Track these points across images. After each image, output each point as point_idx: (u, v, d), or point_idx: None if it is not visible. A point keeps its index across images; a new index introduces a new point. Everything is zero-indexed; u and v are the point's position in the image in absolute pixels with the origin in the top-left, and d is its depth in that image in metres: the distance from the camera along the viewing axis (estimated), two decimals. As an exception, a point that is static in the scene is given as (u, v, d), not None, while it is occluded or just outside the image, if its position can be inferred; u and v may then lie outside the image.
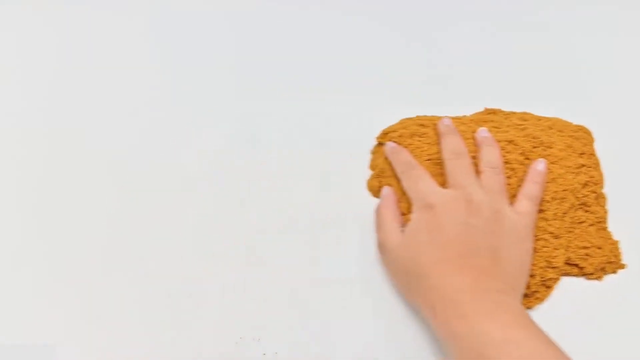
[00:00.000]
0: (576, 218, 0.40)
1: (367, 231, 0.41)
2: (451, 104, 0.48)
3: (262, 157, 0.45)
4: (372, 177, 0.44)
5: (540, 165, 0.40)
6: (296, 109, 0.48)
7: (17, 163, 0.46)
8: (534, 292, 0.37)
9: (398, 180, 0.41)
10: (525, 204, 0.37)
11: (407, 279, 0.36)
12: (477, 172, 0.39)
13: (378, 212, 0.41)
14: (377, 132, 0.46)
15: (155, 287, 0.38)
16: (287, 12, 0.62)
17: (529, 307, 0.37)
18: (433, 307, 0.33)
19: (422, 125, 0.44)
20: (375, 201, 0.43)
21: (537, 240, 0.38)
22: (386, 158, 0.44)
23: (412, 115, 0.47)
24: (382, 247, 0.38)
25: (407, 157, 0.41)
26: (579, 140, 0.43)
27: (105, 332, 0.36)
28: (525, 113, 0.46)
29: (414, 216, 0.37)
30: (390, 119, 0.47)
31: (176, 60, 0.57)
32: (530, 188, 0.38)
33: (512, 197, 0.39)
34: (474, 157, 0.40)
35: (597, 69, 0.55)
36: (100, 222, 0.42)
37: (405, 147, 0.43)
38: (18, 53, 0.57)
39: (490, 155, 0.40)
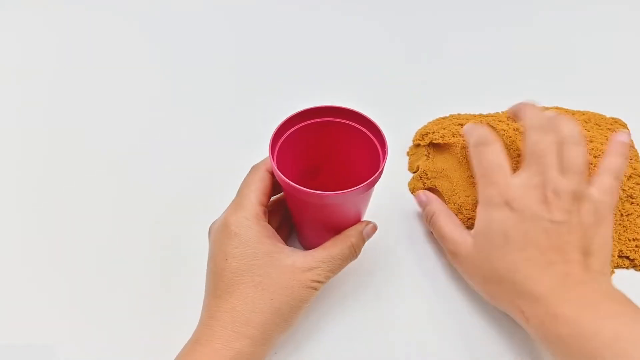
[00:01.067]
0: (624, 211, 0.39)
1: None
2: (464, 103, 0.48)
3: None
4: (415, 179, 0.44)
5: (622, 136, 0.36)
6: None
7: (17, 163, 0.46)
8: None
9: (443, 180, 0.42)
10: (607, 181, 0.33)
11: (488, 285, 0.34)
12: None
13: (434, 221, 0.38)
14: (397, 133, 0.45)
15: (156, 287, 0.38)
16: (287, 12, 0.62)
17: None
18: (522, 312, 0.31)
19: (460, 125, 0.44)
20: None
21: None
22: (427, 160, 0.44)
23: (412, 115, 0.48)
24: (454, 257, 0.36)
25: (484, 131, 0.36)
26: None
27: (105, 332, 0.36)
28: (558, 108, 0.46)
29: (484, 216, 0.34)
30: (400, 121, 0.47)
31: (176, 60, 0.57)
32: (612, 161, 0.34)
33: None
34: (518, 156, 0.39)
35: (597, 63, 0.55)
36: (100, 222, 0.42)
37: (452, 145, 0.42)
38: (18, 53, 0.57)
39: (570, 127, 0.35)
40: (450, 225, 0.37)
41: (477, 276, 0.35)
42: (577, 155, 0.33)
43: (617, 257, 0.38)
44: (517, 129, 0.42)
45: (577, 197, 0.32)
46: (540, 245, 0.31)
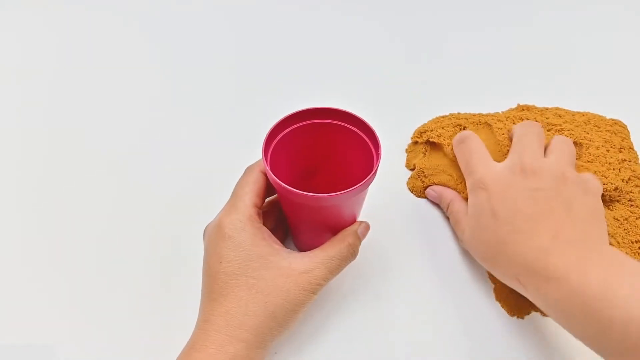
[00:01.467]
0: (624, 214, 0.39)
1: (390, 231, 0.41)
2: (464, 103, 0.48)
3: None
4: (413, 177, 0.44)
5: None
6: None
7: (17, 163, 0.46)
8: None
9: (443, 175, 0.42)
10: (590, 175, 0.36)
11: (487, 262, 0.35)
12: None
13: (450, 208, 0.40)
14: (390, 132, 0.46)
15: (156, 287, 0.38)
16: (287, 12, 0.62)
17: None
18: (518, 280, 0.32)
19: (459, 125, 0.44)
20: (414, 199, 0.44)
21: None
22: (423, 157, 0.44)
23: (412, 115, 0.48)
24: (461, 242, 0.39)
25: (463, 132, 0.40)
26: (617, 135, 0.42)
27: (105, 332, 0.36)
28: (558, 108, 0.46)
29: (472, 201, 0.36)
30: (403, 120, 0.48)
31: (176, 61, 0.57)
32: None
33: None
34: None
35: (597, 63, 0.55)
36: (100, 222, 0.42)
37: (445, 146, 0.43)
38: (18, 53, 0.57)
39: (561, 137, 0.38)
40: (462, 212, 0.39)
41: (478, 256, 0.36)
42: (560, 141, 0.37)
43: None
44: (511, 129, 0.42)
45: (561, 173, 0.34)
46: (525, 214, 0.32)
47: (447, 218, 0.42)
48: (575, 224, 0.31)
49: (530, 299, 0.32)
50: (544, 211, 0.32)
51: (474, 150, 0.38)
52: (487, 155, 0.37)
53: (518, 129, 0.38)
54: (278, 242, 0.32)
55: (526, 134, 0.37)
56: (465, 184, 0.40)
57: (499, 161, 0.37)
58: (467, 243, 0.37)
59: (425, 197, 0.44)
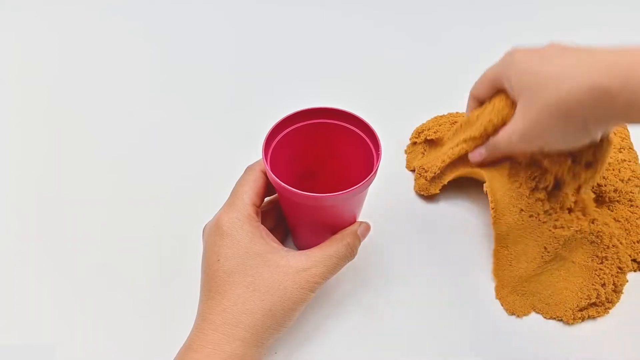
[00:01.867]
0: (625, 214, 0.39)
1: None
2: (464, 102, 0.48)
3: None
4: (416, 179, 0.43)
5: None
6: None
7: (17, 163, 0.46)
8: (608, 300, 0.36)
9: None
10: None
11: (555, 120, 0.29)
12: None
13: (493, 143, 0.35)
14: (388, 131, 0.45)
15: (156, 287, 0.38)
16: (287, 12, 0.62)
17: (601, 316, 0.36)
18: (609, 95, 0.27)
19: (456, 122, 0.44)
20: (414, 200, 0.43)
21: (607, 248, 0.37)
22: (422, 157, 0.44)
23: (411, 115, 0.48)
24: (519, 137, 0.32)
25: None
26: (616, 135, 0.42)
27: (105, 332, 0.36)
28: None
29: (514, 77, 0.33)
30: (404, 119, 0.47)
31: (177, 61, 0.57)
32: None
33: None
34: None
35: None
36: (100, 222, 0.42)
37: (443, 141, 0.42)
38: (18, 53, 0.57)
39: None
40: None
41: (541, 123, 0.30)
42: None
43: (630, 265, 0.37)
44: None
45: None
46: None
47: (447, 219, 0.42)
48: None
49: (614, 116, 0.28)
50: None
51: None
52: None
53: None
54: (276, 240, 0.32)
55: None
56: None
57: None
58: (524, 122, 0.31)
59: (436, 192, 0.42)
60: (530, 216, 0.36)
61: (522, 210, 0.36)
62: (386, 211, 0.42)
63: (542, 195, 0.36)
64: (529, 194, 0.36)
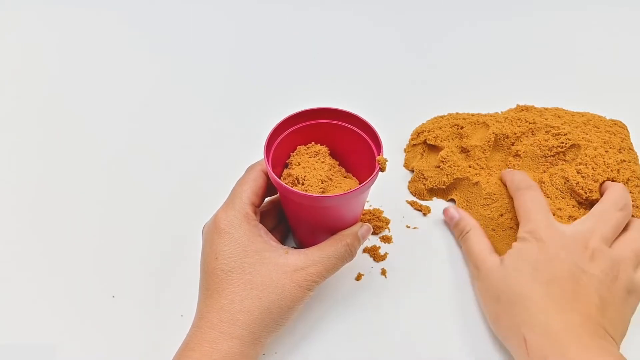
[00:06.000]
0: None
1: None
2: (464, 103, 0.48)
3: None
4: (414, 181, 0.44)
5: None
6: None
7: (16, 163, 0.46)
8: None
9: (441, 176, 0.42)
10: None
11: (498, 306, 0.34)
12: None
13: (468, 237, 0.39)
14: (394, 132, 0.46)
15: (154, 287, 0.38)
16: (287, 12, 0.62)
17: None
18: (525, 341, 0.31)
19: (456, 125, 0.44)
20: (419, 202, 0.43)
21: None
22: (421, 159, 0.44)
23: (411, 115, 0.48)
24: (478, 271, 0.36)
25: (523, 176, 0.39)
26: (616, 136, 0.42)
27: (105, 332, 0.36)
28: (557, 109, 0.46)
29: (519, 245, 0.35)
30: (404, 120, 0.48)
31: (177, 61, 0.56)
32: None
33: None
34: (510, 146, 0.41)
35: (597, 63, 0.55)
36: (100, 222, 0.42)
37: (443, 147, 0.43)
38: (18, 53, 0.57)
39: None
40: (482, 244, 0.38)
41: (492, 294, 0.34)
42: (634, 238, 0.34)
43: None
44: (510, 119, 0.44)
45: (617, 268, 0.33)
46: (565, 288, 0.32)
47: (446, 219, 0.42)
48: (601, 325, 0.31)
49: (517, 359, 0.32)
50: (579, 296, 0.31)
51: (538, 201, 0.36)
52: (548, 208, 0.36)
53: (606, 204, 0.35)
54: (275, 239, 0.32)
55: (613, 208, 0.35)
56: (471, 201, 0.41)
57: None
58: (488, 276, 0.35)
59: (429, 200, 0.43)
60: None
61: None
62: (386, 211, 0.42)
63: None
64: None
